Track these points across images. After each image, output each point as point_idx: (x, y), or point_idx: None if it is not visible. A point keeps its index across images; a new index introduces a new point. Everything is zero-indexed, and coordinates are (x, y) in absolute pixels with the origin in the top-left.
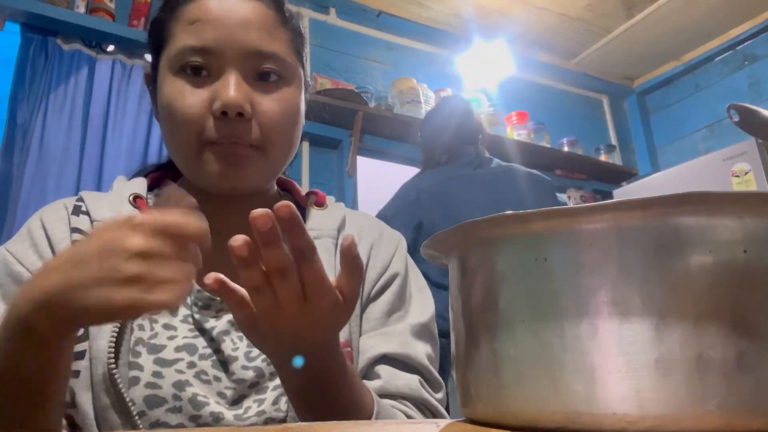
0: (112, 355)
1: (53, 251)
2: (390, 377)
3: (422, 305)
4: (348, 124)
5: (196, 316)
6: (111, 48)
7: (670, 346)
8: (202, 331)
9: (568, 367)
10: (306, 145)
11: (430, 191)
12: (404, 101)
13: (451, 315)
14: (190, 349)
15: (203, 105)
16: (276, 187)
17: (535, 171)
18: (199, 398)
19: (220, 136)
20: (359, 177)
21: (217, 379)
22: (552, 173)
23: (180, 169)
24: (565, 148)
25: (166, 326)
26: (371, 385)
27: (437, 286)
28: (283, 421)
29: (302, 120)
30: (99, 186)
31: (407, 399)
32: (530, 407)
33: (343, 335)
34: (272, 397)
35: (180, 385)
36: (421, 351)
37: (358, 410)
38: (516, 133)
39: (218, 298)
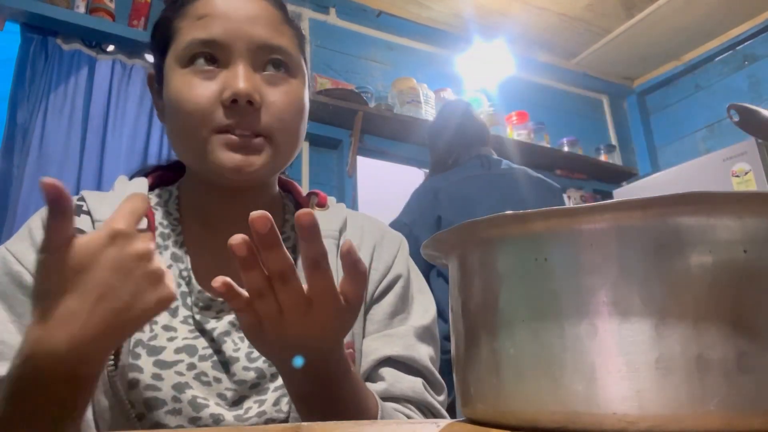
0: (112, 357)
1: None
2: (394, 380)
3: (424, 307)
4: (348, 124)
5: (197, 316)
6: (111, 48)
7: (670, 346)
8: (203, 332)
9: (568, 367)
10: (306, 145)
11: (447, 191)
12: (404, 101)
13: (451, 315)
14: (190, 350)
15: (213, 95)
16: (277, 187)
17: (542, 176)
18: (199, 400)
19: (230, 124)
20: (359, 177)
21: (218, 380)
22: (552, 173)
23: (186, 164)
24: (565, 148)
25: (166, 327)
26: (375, 387)
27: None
28: (284, 422)
29: (306, 115)
30: (99, 186)
31: (411, 402)
32: (530, 407)
33: (346, 337)
34: (273, 398)
35: (180, 387)
36: (425, 353)
37: (363, 415)
38: (516, 133)
39: (219, 299)
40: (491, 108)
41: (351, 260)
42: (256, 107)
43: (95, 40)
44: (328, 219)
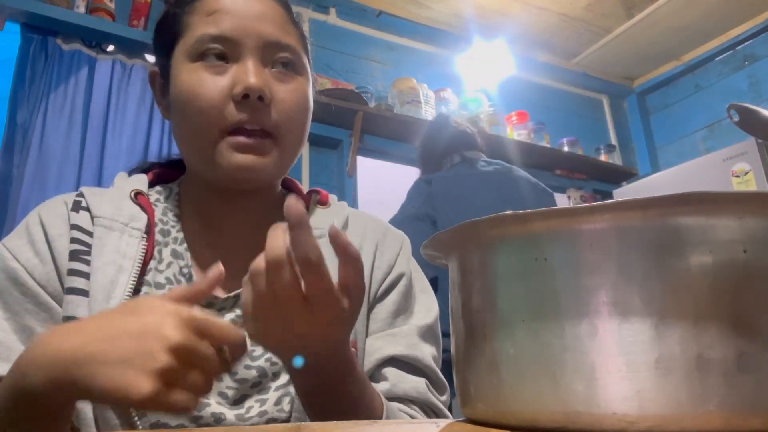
0: None
1: (50, 248)
2: (397, 380)
3: (427, 306)
4: (348, 124)
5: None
6: (111, 48)
7: (670, 346)
8: None
9: (568, 367)
10: (306, 145)
11: (438, 183)
12: (404, 101)
13: (451, 315)
14: None
15: (223, 91)
16: (280, 186)
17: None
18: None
19: (240, 120)
20: (359, 177)
21: (219, 378)
22: (552, 173)
23: (192, 164)
24: (565, 148)
25: None
26: (378, 387)
27: None
28: (286, 421)
29: (311, 114)
30: (99, 185)
31: (414, 402)
32: (530, 407)
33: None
34: (275, 397)
35: None
36: (428, 352)
37: (368, 413)
38: (516, 133)
39: (220, 297)
40: (491, 108)
41: (341, 244)
42: (266, 103)
43: (95, 40)
44: (330, 217)
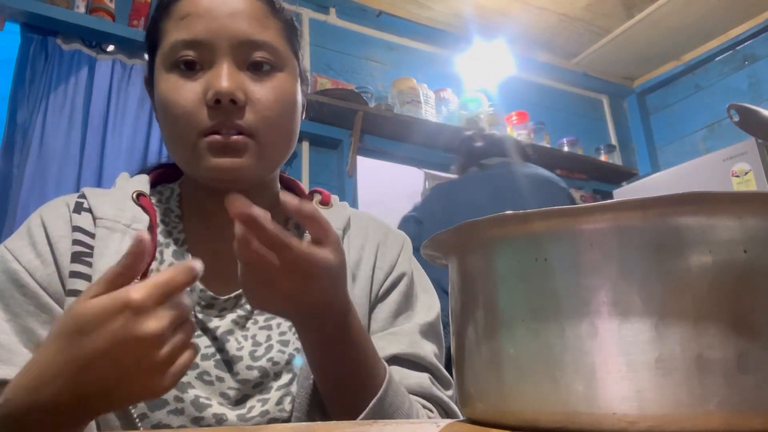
0: None
1: (52, 249)
2: (400, 377)
3: (428, 305)
4: (348, 124)
5: (199, 315)
6: (111, 48)
7: (670, 346)
8: (205, 331)
9: (568, 367)
10: (306, 145)
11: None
12: (404, 101)
13: (451, 315)
14: None
15: (197, 97)
16: (279, 186)
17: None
18: (202, 400)
19: (214, 124)
20: (359, 177)
21: (220, 379)
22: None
23: (179, 166)
24: (565, 148)
25: None
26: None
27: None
28: (287, 421)
29: (299, 109)
30: (99, 186)
31: (419, 397)
32: (530, 407)
33: None
34: (276, 397)
35: (182, 387)
36: (429, 350)
37: (370, 375)
38: (516, 133)
39: (221, 298)
40: (491, 108)
41: (292, 209)
42: (240, 105)
43: (95, 40)
44: (332, 217)
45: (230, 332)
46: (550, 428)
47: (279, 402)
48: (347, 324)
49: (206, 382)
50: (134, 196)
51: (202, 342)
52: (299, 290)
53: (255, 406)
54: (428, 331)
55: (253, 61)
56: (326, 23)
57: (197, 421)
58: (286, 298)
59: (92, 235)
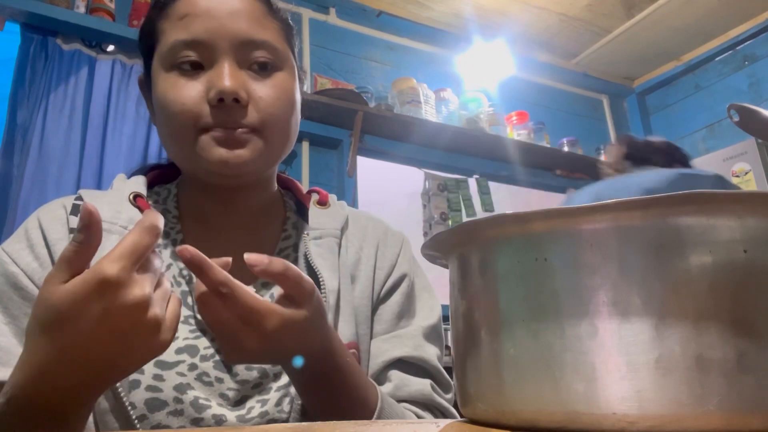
0: None
1: (50, 252)
2: (401, 383)
3: (430, 306)
4: (348, 124)
5: (198, 316)
6: (111, 48)
7: (670, 346)
8: (204, 332)
9: (568, 367)
10: (306, 145)
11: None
12: (404, 101)
13: (451, 315)
14: (191, 350)
15: (199, 95)
16: (277, 186)
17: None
18: (201, 401)
19: (217, 122)
20: (359, 177)
21: (219, 380)
22: (552, 173)
23: (178, 164)
24: (565, 148)
25: None
26: (382, 389)
27: None
28: (286, 422)
29: (298, 108)
30: (99, 186)
31: (420, 404)
32: (530, 407)
33: (350, 336)
34: (275, 397)
35: (181, 388)
36: (432, 353)
37: (362, 405)
38: (516, 133)
39: None
40: (491, 108)
41: (263, 271)
42: (243, 104)
43: (95, 40)
44: (330, 217)
45: None
46: (550, 428)
47: (278, 403)
48: (330, 367)
49: (205, 383)
50: (131, 197)
51: (202, 343)
52: (267, 345)
53: (254, 406)
54: (431, 334)
55: (254, 60)
56: (326, 23)
57: (197, 422)
58: (255, 353)
59: None
